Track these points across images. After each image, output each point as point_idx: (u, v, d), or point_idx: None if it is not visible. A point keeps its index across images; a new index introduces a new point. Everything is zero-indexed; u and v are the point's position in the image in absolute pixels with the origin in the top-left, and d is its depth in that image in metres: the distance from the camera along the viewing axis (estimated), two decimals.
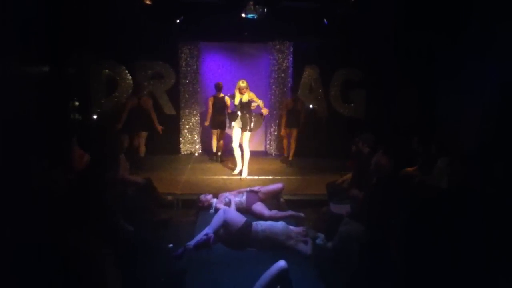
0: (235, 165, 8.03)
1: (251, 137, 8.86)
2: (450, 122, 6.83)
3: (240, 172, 7.81)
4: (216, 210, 5.69)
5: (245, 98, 7.55)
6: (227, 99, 8.75)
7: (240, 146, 7.78)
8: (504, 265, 2.98)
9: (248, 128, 7.62)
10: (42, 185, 4.01)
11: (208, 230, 4.63)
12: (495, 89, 5.74)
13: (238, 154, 7.82)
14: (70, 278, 2.40)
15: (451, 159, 5.03)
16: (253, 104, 7.65)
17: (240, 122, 7.62)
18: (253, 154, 9.75)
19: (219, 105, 8.78)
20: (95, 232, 3.02)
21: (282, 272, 3.42)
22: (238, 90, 7.53)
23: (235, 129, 7.70)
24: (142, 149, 8.37)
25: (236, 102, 7.58)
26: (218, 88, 8.81)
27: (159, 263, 4.32)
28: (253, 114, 7.67)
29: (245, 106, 7.57)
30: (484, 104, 5.93)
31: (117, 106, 9.18)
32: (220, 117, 8.81)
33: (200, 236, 4.65)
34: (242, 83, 7.51)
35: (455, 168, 4.84)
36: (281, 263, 3.46)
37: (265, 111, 7.72)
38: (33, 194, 3.60)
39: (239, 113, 7.60)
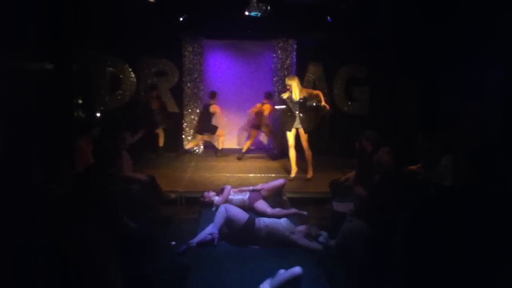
0: (234, 163, 8.04)
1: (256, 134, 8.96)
2: (454, 120, 6.80)
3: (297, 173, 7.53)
4: (217, 207, 5.71)
5: (296, 96, 7.21)
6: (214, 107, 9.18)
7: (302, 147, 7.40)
8: (507, 263, 2.97)
9: (305, 128, 7.28)
10: (45, 181, 4.02)
11: (213, 229, 4.61)
12: (499, 85, 5.71)
13: (293, 156, 7.49)
14: (72, 275, 2.39)
15: (456, 157, 5.00)
16: (309, 102, 7.26)
17: (294, 122, 7.33)
18: (257, 151, 9.79)
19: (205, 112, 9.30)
20: (98, 229, 3.02)
21: (296, 279, 3.43)
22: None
23: (292, 131, 7.40)
24: (162, 140, 9.33)
25: (285, 96, 7.33)
26: (209, 96, 9.33)
27: (162, 260, 4.32)
28: (310, 112, 7.35)
29: (299, 105, 7.24)
30: (489, 101, 5.90)
31: (141, 104, 9.41)
32: (203, 124, 9.35)
33: (204, 234, 4.64)
34: (287, 80, 7.35)
35: (460, 165, 4.82)
36: (297, 270, 3.47)
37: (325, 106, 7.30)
38: (36, 189, 3.61)
39: (289, 113, 7.36)
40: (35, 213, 2.66)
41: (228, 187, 5.94)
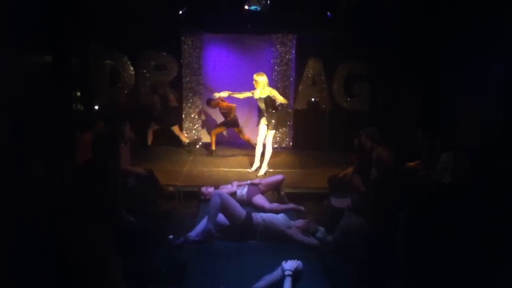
0: (232, 158, 8.01)
1: (252, 130, 8.88)
2: (454, 116, 6.79)
3: (258, 168, 7.59)
4: None
5: (263, 94, 7.28)
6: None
7: (264, 144, 7.54)
8: (506, 261, 2.97)
9: (270, 126, 7.41)
10: (46, 175, 4.00)
11: (208, 224, 4.58)
12: (500, 82, 5.70)
13: (258, 152, 7.60)
14: (74, 269, 2.39)
15: (456, 154, 5.00)
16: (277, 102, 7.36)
17: (265, 119, 7.46)
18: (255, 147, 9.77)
19: None
20: (97, 222, 3.02)
21: (296, 273, 3.44)
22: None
23: (261, 126, 7.54)
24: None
25: (256, 96, 7.38)
26: None
27: (160, 254, 4.31)
28: (279, 111, 7.44)
29: (267, 103, 7.33)
30: (490, 98, 5.89)
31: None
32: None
33: (200, 228, 4.63)
34: (255, 76, 7.35)
35: (460, 163, 4.82)
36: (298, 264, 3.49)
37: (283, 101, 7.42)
38: (37, 184, 3.59)
39: (263, 110, 7.43)
40: (36, 208, 2.66)
41: (234, 183, 5.96)
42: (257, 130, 7.72)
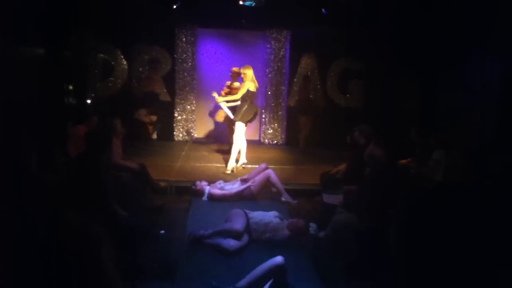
0: (225, 154, 8.00)
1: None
2: (449, 114, 6.82)
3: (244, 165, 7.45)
4: (210, 196, 5.74)
5: (255, 86, 7.13)
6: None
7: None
8: (498, 258, 2.99)
9: (234, 117, 7.19)
10: (39, 168, 3.98)
11: (215, 241, 4.45)
12: (496, 81, 5.72)
13: (243, 148, 7.42)
14: (64, 261, 2.38)
15: (447, 151, 5.02)
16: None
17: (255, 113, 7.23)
18: (248, 143, 9.76)
19: None
20: (93, 217, 3.01)
21: (277, 268, 3.40)
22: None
23: (240, 122, 7.19)
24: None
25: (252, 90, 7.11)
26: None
27: (152, 249, 4.30)
28: (247, 104, 7.17)
29: (254, 96, 7.21)
30: (485, 97, 5.91)
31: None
32: None
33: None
34: (244, 69, 7.09)
35: (452, 160, 4.84)
36: (278, 259, 3.44)
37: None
38: (30, 177, 3.57)
39: (239, 102, 7.23)
40: (28, 201, 2.64)
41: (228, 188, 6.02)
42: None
